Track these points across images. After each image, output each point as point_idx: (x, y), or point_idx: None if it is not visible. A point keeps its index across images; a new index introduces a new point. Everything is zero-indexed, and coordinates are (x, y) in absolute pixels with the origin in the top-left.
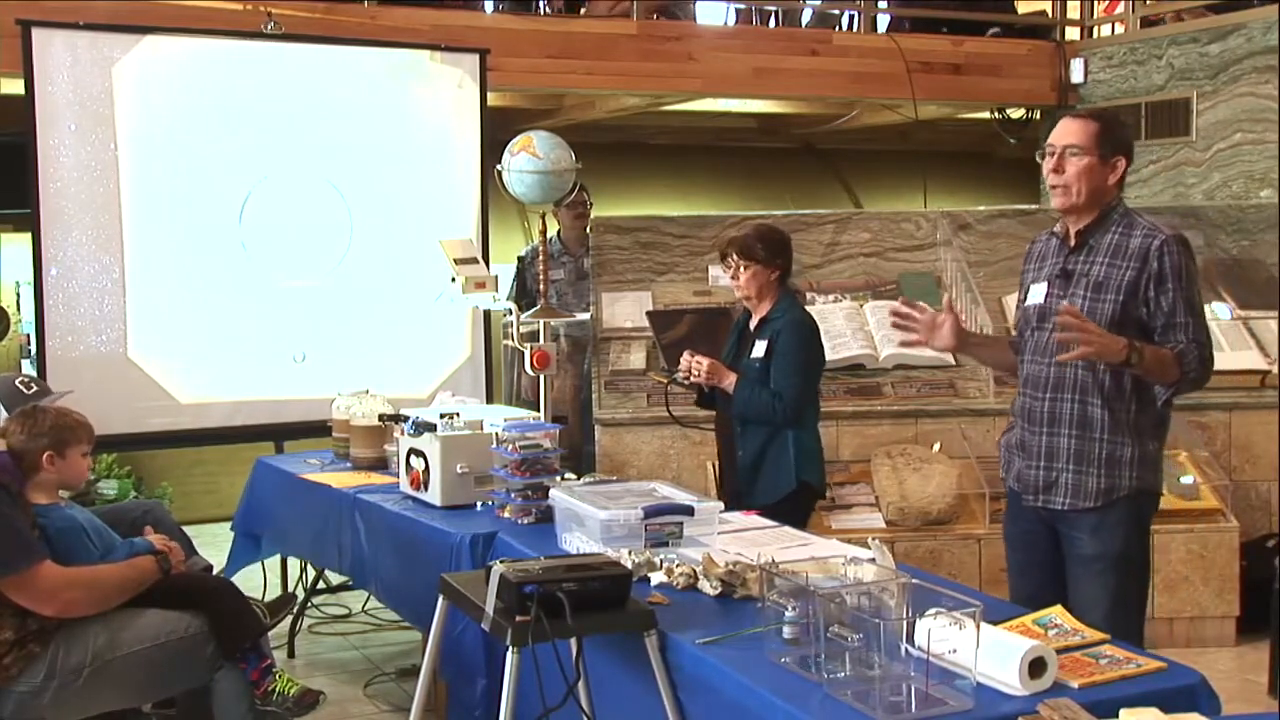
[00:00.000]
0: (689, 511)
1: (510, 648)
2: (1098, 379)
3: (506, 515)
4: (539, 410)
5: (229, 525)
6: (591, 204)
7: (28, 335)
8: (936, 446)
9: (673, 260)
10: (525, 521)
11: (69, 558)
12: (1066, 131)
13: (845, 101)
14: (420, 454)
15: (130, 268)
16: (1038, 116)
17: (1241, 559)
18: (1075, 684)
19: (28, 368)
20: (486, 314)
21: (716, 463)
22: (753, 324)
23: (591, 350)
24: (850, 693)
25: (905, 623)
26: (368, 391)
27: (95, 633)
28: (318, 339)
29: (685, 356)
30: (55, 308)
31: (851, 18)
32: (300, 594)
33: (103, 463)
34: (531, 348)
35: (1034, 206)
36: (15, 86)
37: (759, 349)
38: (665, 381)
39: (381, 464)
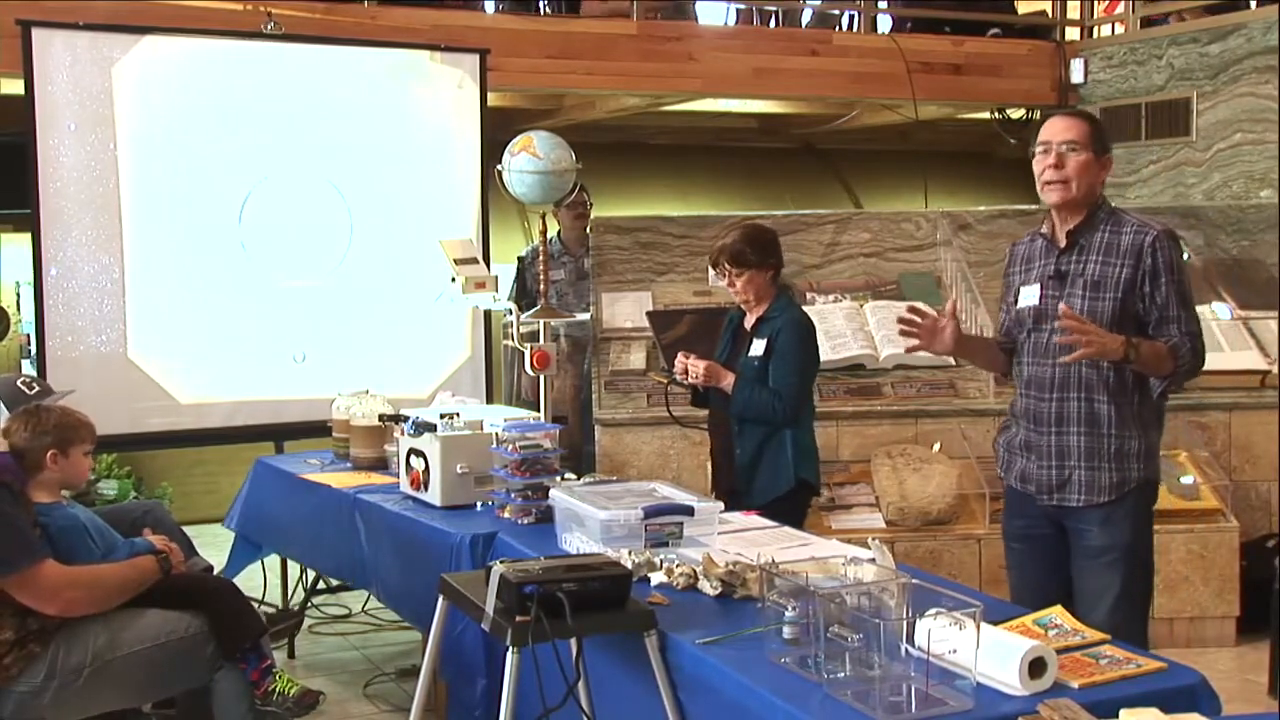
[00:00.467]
0: (689, 512)
1: (510, 648)
2: (1102, 376)
3: (506, 515)
4: (539, 410)
5: (225, 525)
6: (591, 204)
7: (28, 335)
8: (936, 446)
9: (673, 260)
10: (525, 522)
11: (71, 557)
12: (1062, 128)
13: (845, 101)
14: (420, 454)
15: (130, 268)
16: (1038, 117)
17: (1241, 559)
18: (1075, 684)
19: (28, 368)
20: (486, 314)
21: (711, 460)
22: (749, 323)
23: (591, 350)
24: (850, 693)
25: (905, 623)
26: (368, 391)
27: (95, 633)
28: (318, 339)
29: (680, 358)
30: (55, 308)
31: (851, 18)
32: (302, 604)
33: (103, 463)
34: (531, 348)
35: (1034, 206)
36: (15, 86)
37: (757, 348)
38: (665, 381)
39: (381, 464)
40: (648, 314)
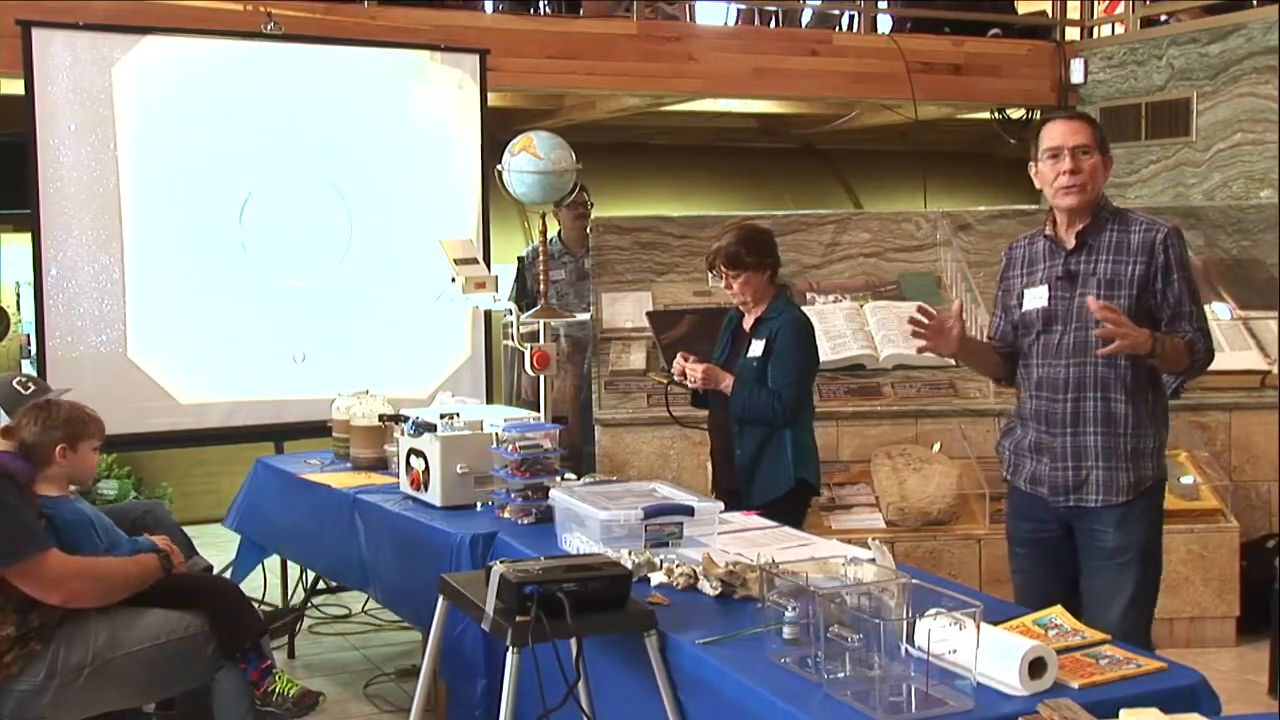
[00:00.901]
0: (689, 512)
1: (510, 648)
2: (1119, 375)
3: (506, 515)
4: (539, 410)
5: (224, 525)
6: (592, 204)
7: (28, 335)
8: (936, 446)
9: (673, 260)
10: (525, 522)
11: (75, 550)
12: (1071, 131)
13: (845, 102)
14: (420, 454)
15: (130, 268)
16: (1038, 117)
17: (1241, 559)
18: (1075, 684)
19: (28, 368)
20: (486, 314)
21: (711, 461)
22: (747, 323)
23: (591, 350)
24: (850, 693)
25: (905, 623)
26: (368, 392)
27: (96, 632)
28: (318, 339)
29: (678, 361)
30: (55, 308)
31: (852, 18)
32: (302, 603)
33: (103, 463)
34: (531, 348)
35: (1034, 207)
36: (15, 86)
37: (756, 348)
38: (665, 381)
39: (381, 464)
40: (648, 314)
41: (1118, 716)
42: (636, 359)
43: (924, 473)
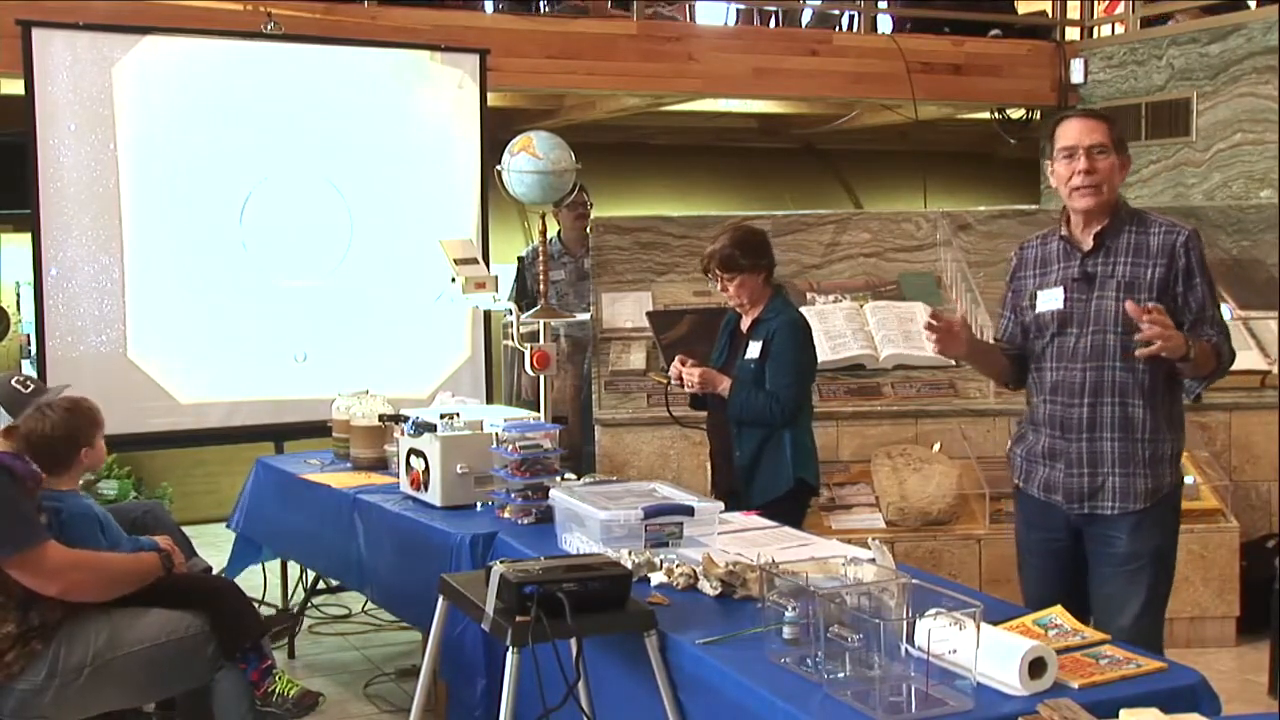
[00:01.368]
0: (689, 512)
1: (510, 648)
2: (1138, 379)
3: (506, 515)
4: (539, 410)
5: (228, 525)
6: (592, 204)
7: (28, 335)
8: (936, 447)
9: (673, 260)
10: (525, 522)
11: (78, 545)
12: (1086, 130)
13: (845, 102)
14: (420, 454)
15: (130, 268)
16: (1038, 117)
17: (1241, 559)
18: (1075, 684)
19: (28, 368)
20: (486, 314)
21: (710, 462)
22: (745, 325)
23: (591, 350)
24: (850, 693)
25: (905, 623)
26: (368, 392)
27: (96, 631)
28: (318, 339)
29: (675, 365)
30: (55, 308)
31: (852, 18)
32: (301, 607)
33: (103, 463)
34: (531, 348)
35: (1034, 206)
36: (15, 86)
37: (753, 350)
38: (665, 381)
39: (381, 464)
40: (648, 314)
41: (1118, 716)
42: (636, 359)
43: (924, 473)
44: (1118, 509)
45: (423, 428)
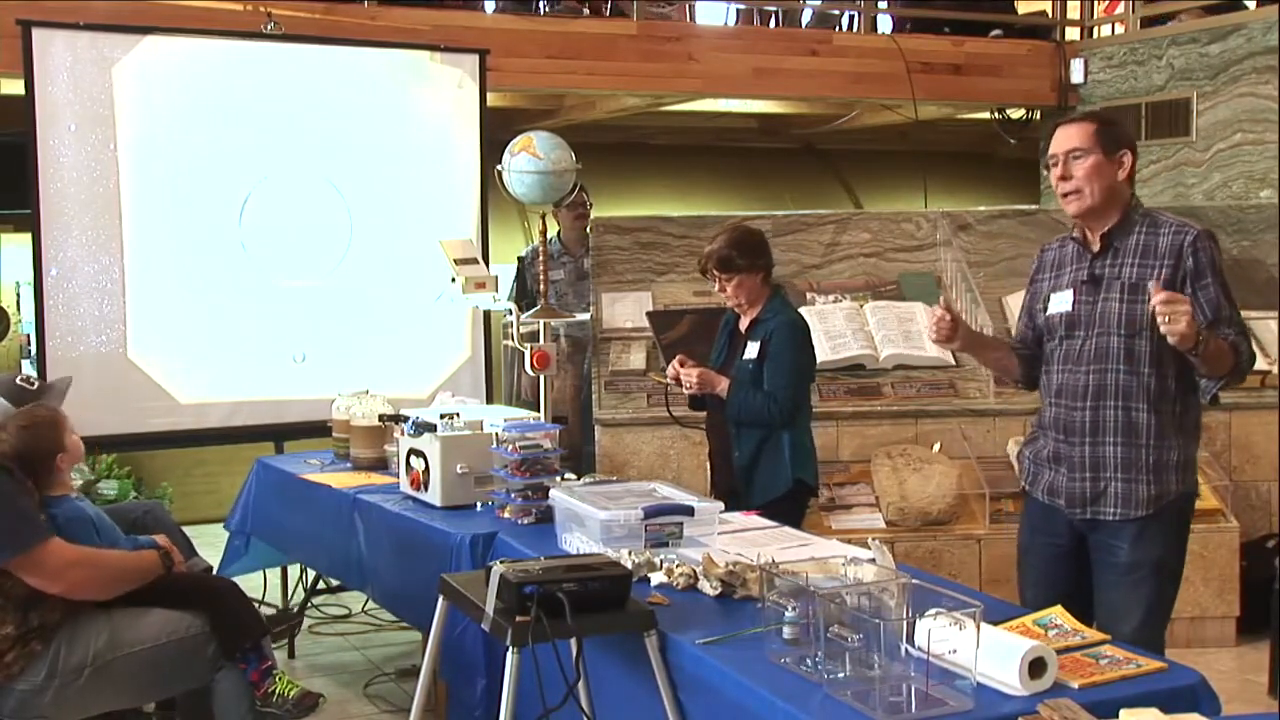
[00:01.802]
0: (689, 512)
1: (510, 648)
2: (1143, 382)
3: (506, 515)
4: (539, 410)
5: (225, 526)
6: (591, 204)
7: (28, 335)
8: (936, 446)
9: (673, 260)
10: (525, 522)
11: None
12: (1066, 137)
13: (845, 102)
14: (420, 454)
15: (130, 268)
16: (1038, 117)
17: (1241, 559)
18: (1075, 684)
19: (28, 368)
20: (486, 314)
21: (709, 463)
22: (743, 325)
23: (591, 350)
24: (850, 693)
25: (905, 623)
26: (368, 391)
27: (96, 632)
28: (318, 339)
29: (673, 366)
30: (55, 308)
31: (852, 18)
32: (301, 606)
33: (103, 463)
34: (531, 348)
35: (1034, 207)
36: (15, 86)
37: (751, 350)
38: (665, 382)
39: (381, 464)
40: (648, 314)
41: (1118, 716)
42: (636, 359)
43: (924, 473)
44: (1119, 515)
45: (423, 428)
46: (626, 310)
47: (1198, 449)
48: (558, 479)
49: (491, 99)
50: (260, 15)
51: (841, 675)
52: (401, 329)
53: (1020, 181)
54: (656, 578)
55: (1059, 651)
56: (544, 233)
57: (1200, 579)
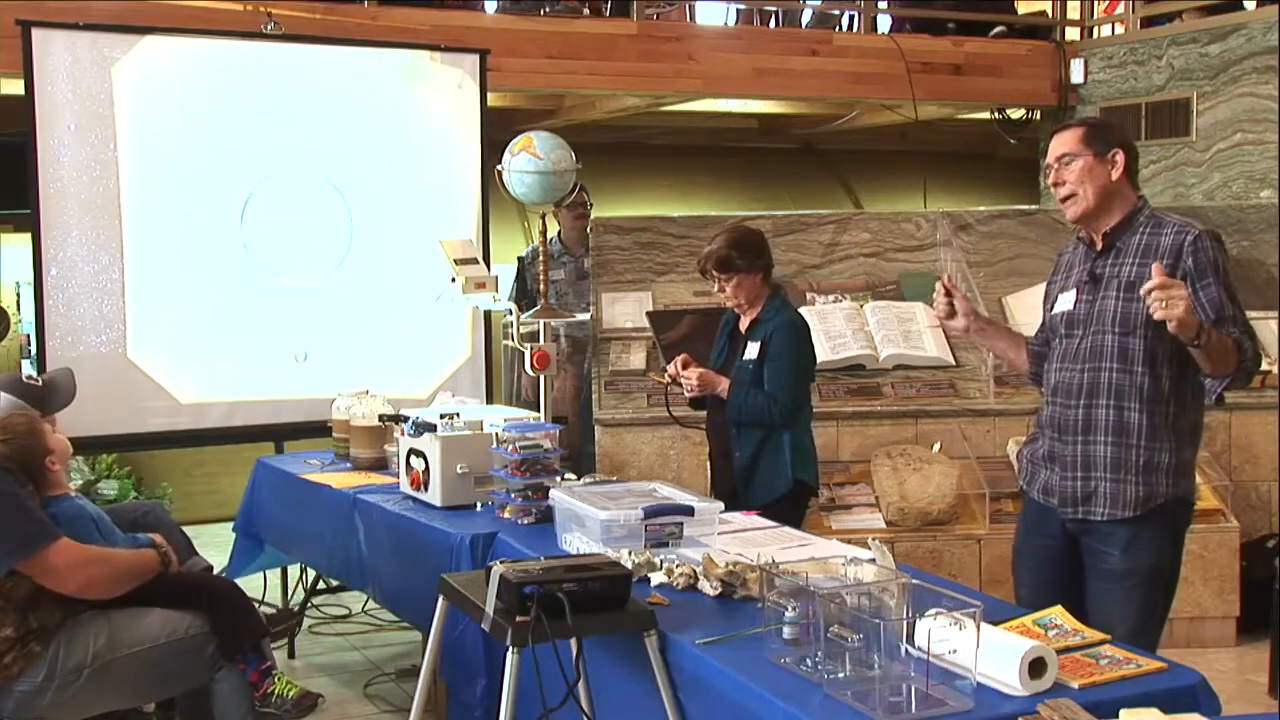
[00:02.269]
0: (689, 512)
1: (510, 648)
2: (1135, 382)
3: (506, 515)
4: (539, 410)
5: (230, 526)
6: (591, 204)
7: (28, 335)
8: (936, 447)
9: (673, 260)
10: (525, 522)
11: None
12: (1057, 144)
13: (845, 102)
14: (420, 454)
15: (130, 268)
16: (1038, 117)
17: (1241, 559)
18: (1075, 684)
19: (28, 368)
20: (486, 314)
21: (709, 463)
22: (743, 325)
23: (591, 350)
24: (850, 693)
25: (905, 623)
26: (368, 391)
27: (96, 633)
28: (318, 339)
29: (672, 367)
30: (55, 308)
31: (851, 18)
32: (301, 606)
33: (103, 463)
34: (531, 348)
35: (1034, 207)
36: (15, 86)
37: (751, 351)
38: (665, 382)
39: (381, 464)
40: (648, 314)
41: (1118, 716)
42: (636, 359)
43: (924, 473)
44: (1107, 515)
45: (423, 428)
46: (626, 310)
47: (1195, 454)
48: (558, 479)
49: (492, 99)
50: (260, 15)
51: (841, 675)
52: (402, 329)
53: (1020, 181)
54: (656, 578)
55: (1059, 651)
56: (544, 233)
57: (1200, 579)
